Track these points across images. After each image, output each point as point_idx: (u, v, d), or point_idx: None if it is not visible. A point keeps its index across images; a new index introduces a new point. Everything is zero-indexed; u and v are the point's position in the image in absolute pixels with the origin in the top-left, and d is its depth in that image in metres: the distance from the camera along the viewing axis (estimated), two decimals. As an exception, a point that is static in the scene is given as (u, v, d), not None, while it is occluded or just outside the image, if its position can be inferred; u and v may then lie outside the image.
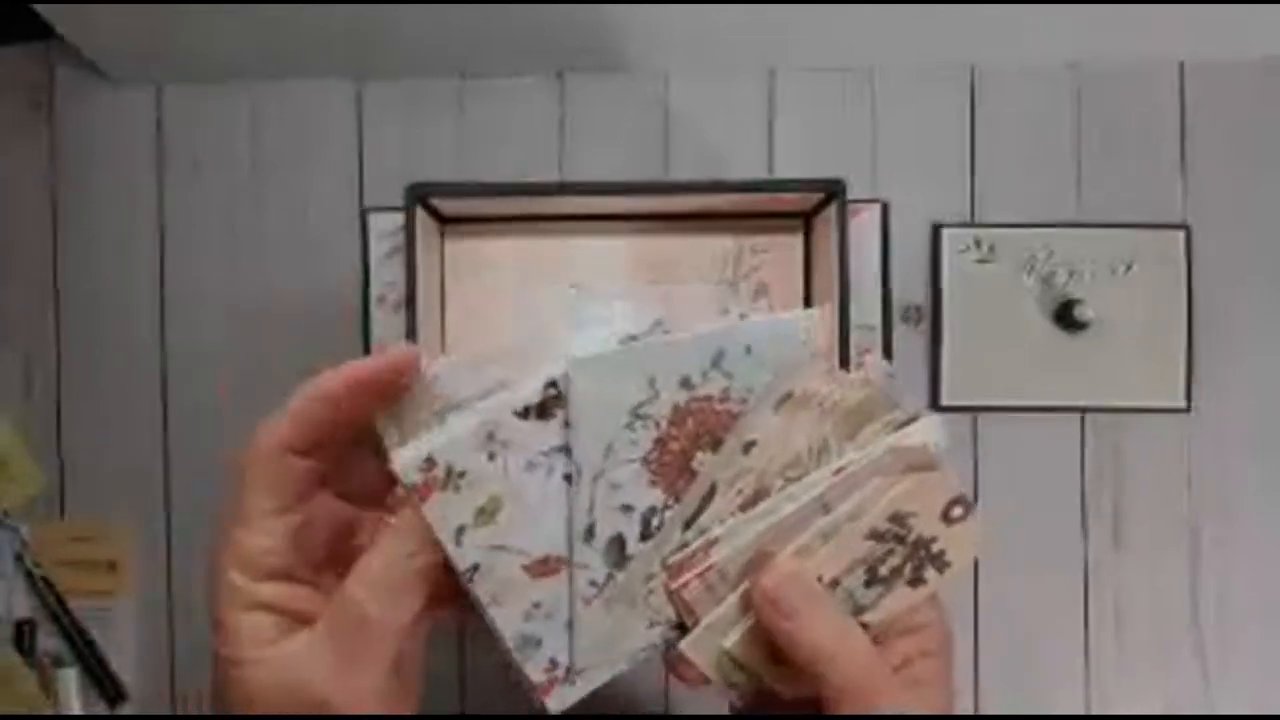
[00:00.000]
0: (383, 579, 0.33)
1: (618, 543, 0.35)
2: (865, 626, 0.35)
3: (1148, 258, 0.59)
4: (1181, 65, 0.61)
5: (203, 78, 0.61)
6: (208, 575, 0.34)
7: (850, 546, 0.34)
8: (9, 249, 0.61)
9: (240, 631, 0.33)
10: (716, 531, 0.35)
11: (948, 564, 0.35)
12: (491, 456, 0.34)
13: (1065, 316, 0.58)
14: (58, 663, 0.60)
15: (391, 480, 0.34)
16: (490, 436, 0.34)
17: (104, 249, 0.61)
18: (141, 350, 0.61)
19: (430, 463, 0.33)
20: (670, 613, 0.36)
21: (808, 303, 0.55)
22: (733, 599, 0.35)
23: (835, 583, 0.35)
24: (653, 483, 0.35)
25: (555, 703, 0.36)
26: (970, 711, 0.60)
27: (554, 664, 0.36)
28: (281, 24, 0.54)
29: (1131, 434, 0.60)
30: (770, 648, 0.35)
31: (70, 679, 0.60)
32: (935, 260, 0.60)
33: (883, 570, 0.35)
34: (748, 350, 0.35)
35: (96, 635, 0.60)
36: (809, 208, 0.53)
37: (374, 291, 0.57)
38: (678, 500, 0.35)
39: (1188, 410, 0.59)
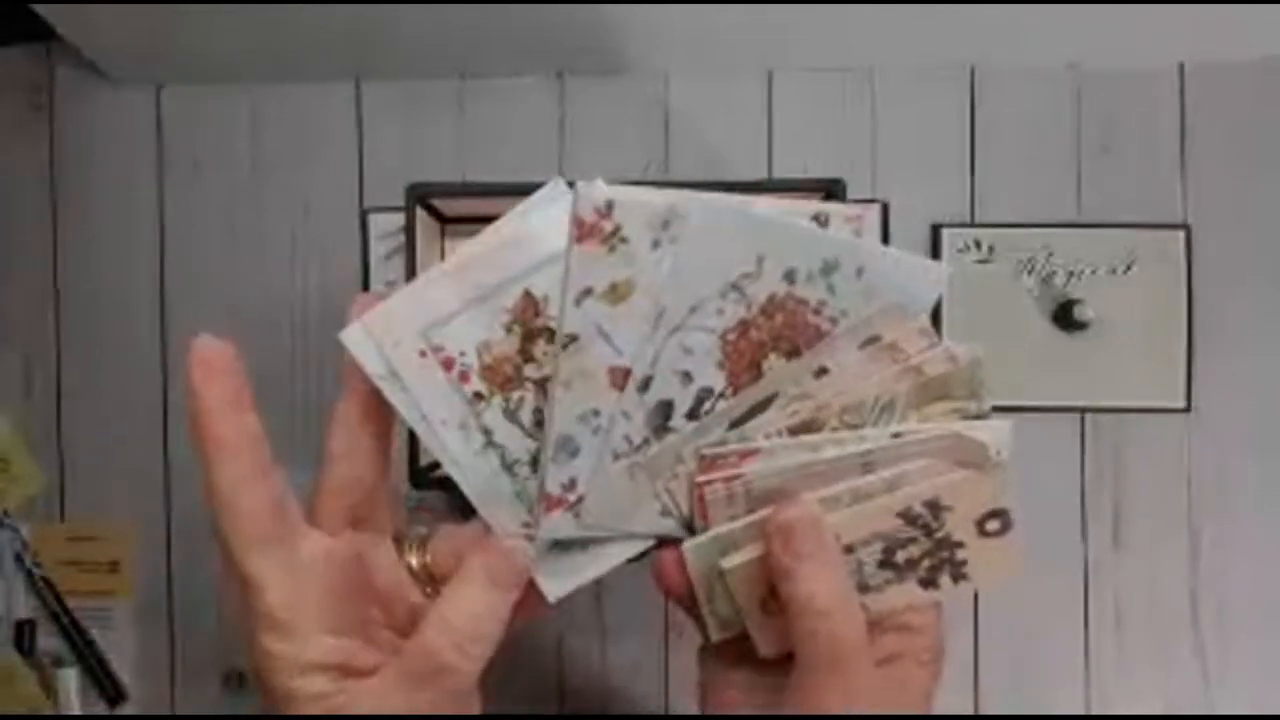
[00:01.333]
0: (465, 632, 0.32)
1: (665, 409, 0.34)
2: (863, 609, 0.34)
3: (1148, 258, 0.59)
4: (1181, 65, 0.61)
5: (203, 78, 0.61)
6: (251, 659, 0.32)
7: (877, 517, 0.33)
8: (9, 249, 0.61)
9: (299, 697, 0.31)
10: (758, 443, 0.33)
11: (965, 577, 0.34)
12: (656, 244, 0.32)
13: (1065, 316, 0.58)
14: (58, 663, 0.60)
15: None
16: (667, 223, 0.32)
17: (104, 249, 0.61)
18: (141, 350, 0.61)
19: (608, 209, 0.32)
20: (686, 509, 0.34)
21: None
22: (746, 520, 0.33)
23: (850, 549, 0.33)
24: (720, 364, 0.34)
25: (549, 528, 0.34)
26: (970, 711, 0.60)
27: (573, 484, 0.34)
28: (281, 24, 0.54)
29: (1131, 434, 0.60)
30: (766, 588, 0.33)
31: (70, 679, 0.60)
32: (935, 260, 0.60)
33: (900, 556, 0.33)
34: (859, 273, 0.34)
35: (96, 635, 0.60)
36: (809, 208, 0.53)
37: (374, 291, 0.57)
38: (736, 394, 0.34)
39: (1188, 410, 0.59)
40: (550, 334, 0.34)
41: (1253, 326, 0.60)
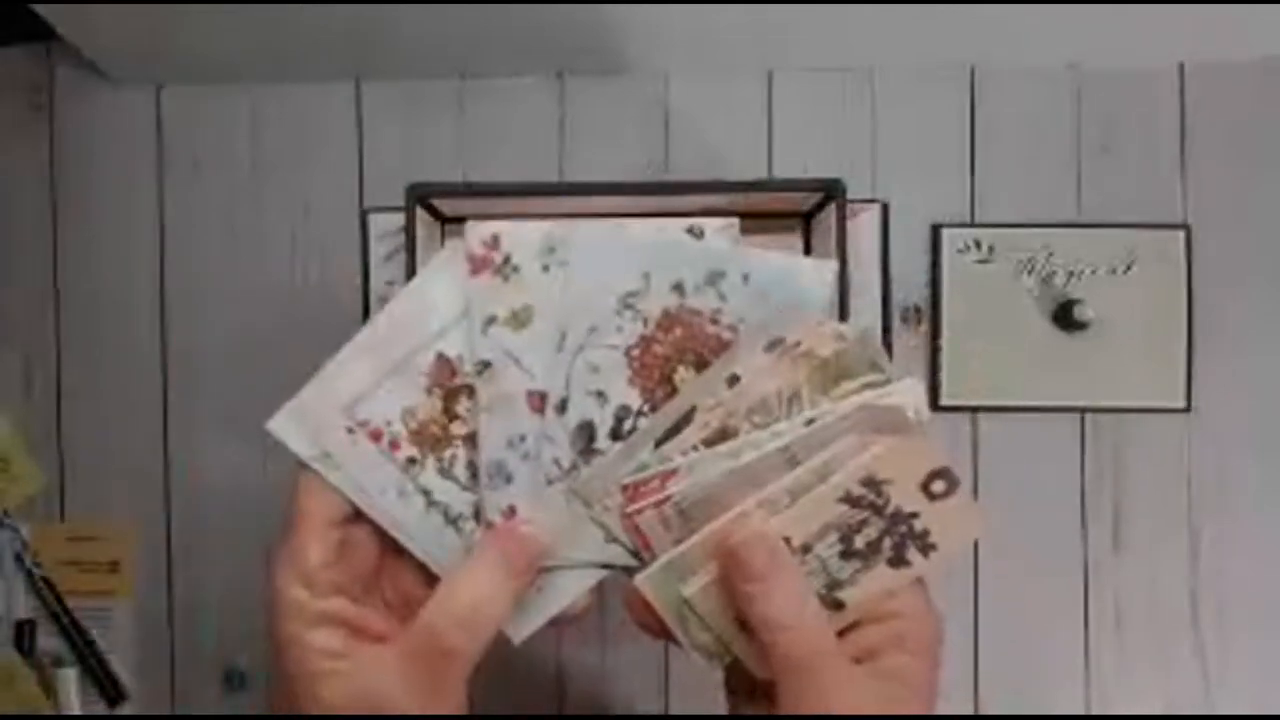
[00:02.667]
0: (469, 615, 0.33)
1: (587, 429, 0.35)
2: (841, 605, 0.33)
3: (1148, 258, 0.59)
4: (1181, 65, 0.61)
5: (203, 78, 0.61)
6: (266, 598, 0.34)
7: (821, 508, 0.32)
8: (9, 249, 0.61)
9: (311, 646, 0.32)
10: (678, 461, 0.33)
11: (933, 546, 0.33)
12: (546, 269, 0.34)
13: (1065, 316, 0.58)
14: (58, 663, 0.60)
15: None
16: (551, 249, 0.34)
17: (104, 249, 0.61)
18: (141, 350, 0.61)
19: (495, 242, 0.34)
20: (627, 536, 0.34)
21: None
22: (695, 541, 0.33)
23: (806, 548, 0.33)
24: (631, 381, 0.35)
25: (514, 631, 0.35)
26: (970, 711, 0.60)
27: (512, 511, 0.35)
28: (281, 24, 0.54)
29: (1131, 434, 0.60)
30: (735, 609, 0.33)
31: (70, 679, 0.60)
32: (935, 260, 0.60)
33: (859, 542, 0.33)
34: (745, 279, 0.35)
35: (96, 635, 0.60)
36: (808, 208, 0.53)
37: (374, 291, 0.57)
38: (654, 409, 0.34)
39: (1188, 410, 0.59)
40: (471, 391, 0.35)
41: (1253, 326, 0.60)
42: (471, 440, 0.35)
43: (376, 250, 0.58)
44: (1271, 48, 0.59)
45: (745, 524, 0.32)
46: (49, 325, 0.61)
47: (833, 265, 0.36)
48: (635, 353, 0.35)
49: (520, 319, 0.34)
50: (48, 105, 0.62)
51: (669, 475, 0.34)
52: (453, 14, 0.53)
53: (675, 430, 0.34)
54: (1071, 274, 0.59)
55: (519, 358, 0.34)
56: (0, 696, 0.59)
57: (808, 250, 0.54)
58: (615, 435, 0.35)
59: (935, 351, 0.60)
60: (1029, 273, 0.59)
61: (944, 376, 0.59)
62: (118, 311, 0.61)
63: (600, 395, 0.35)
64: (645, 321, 0.35)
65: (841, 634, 0.34)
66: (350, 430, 0.35)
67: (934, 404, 0.59)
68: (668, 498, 0.33)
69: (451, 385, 0.35)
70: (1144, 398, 0.59)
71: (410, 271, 0.48)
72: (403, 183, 0.48)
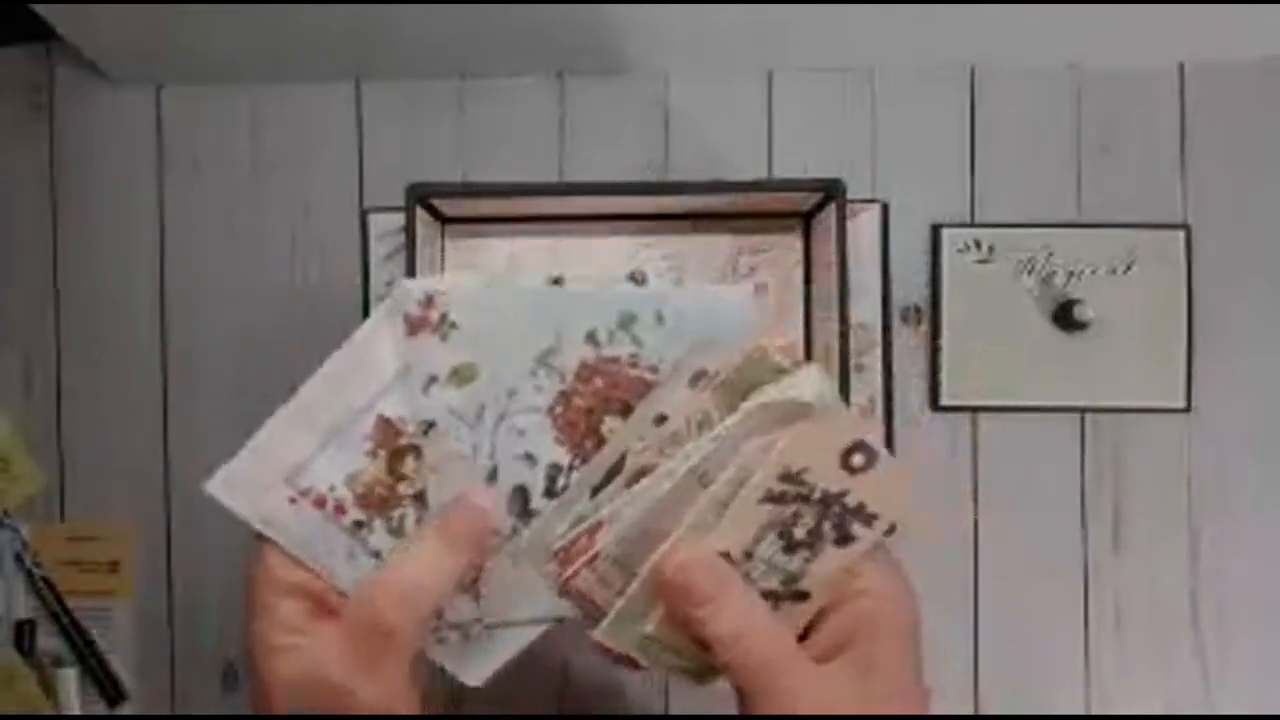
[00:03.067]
0: (408, 590, 0.32)
1: (521, 494, 0.35)
2: (805, 595, 0.33)
3: (1148, 258, 0.59)
4: (1181, 65, 0.61)
5: (203, 78, 0.61)
6: (246, 565, 0.34)
7: (748, 515, 0.32)
8: (9, 249, 0.61)
9: (276, 614, 0.33)
10: (602, 513, 0.33)
11: (874, 516, 0.33)
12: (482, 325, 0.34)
13: (1065, 316, 0.58)
14: (58, 663, 0.60)
15: None
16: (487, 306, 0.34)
17: (104, 249, 0.61)
18: (141, 350, 0.61)
19: (430, 302, 0.33)
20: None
21: (808, 303, 0.55)
22: (638, 585, 0.33)
23: (749, 555, 0.33)
24: (559, 440, 0.34)
25: (451, 614, 0.35)
26: (970, 711, 0.60)
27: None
28: (281, 24, 0.54)
29: (1131, 434, 0.60)
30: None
31: (70, 679, 0.60)
32: (935, 260, 0.60)
33: (799, 533, 0.33)
34: (659, 318, 0.34)
35: (96, 635, 0.60)
36: (808, 208, 0.53)
37: (374, 291, 0.57)
38: (584, 463, 0.34)
39: (1188, 410, 0.59)
40: (416, 450, 0.35)
41: (1253, 326, 0.60)
42: (419, 499, 0.35)
43: (376, 250, 0.58)
44: (1271, 48, 0.59)
45: (677, 553, 0.32)
46: (49, 325, 0.61)
47: (749, 289, 0.35)
48: (557, 410, 0.34)
49: (463, 376, 0.34)
50: (48, 105, 0.62)
51: (595, 530, 0.33)
52: (453, 14, 0.53)
53: (609, 479, 0.34)
54: (1071, 274, 0.59)
55: (462, 415, 0.34)
56: (0, 696, 0.59)
57: (808, 250, 0.54)
58: (550, 494, 0.35)
59: (935, 351, 0.60)
60: (1029, 273, 0.59)
61: (944, 376, 0.59)
62: (118, 311, 0.61)
63: (529, 457, 0.34)
64: (563, 377, 0.34)
65: (812, 625, 0.34)
66: (293, 500, 0.35)
67: (934, 404, 0.60)
68: (597, 554, 0.33)
69: (396, 446, 0.35)
70: (1144, 398, 0.59)
71: (410, 271, 0.48)
72: (403, 183, 0.48)
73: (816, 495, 0.32)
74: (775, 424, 0.32)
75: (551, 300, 0.34)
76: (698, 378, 0.34)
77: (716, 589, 0.32)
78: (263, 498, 0.34)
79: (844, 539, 0.33)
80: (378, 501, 0.35)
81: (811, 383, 0.32)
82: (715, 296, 0.35)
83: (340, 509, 0.35)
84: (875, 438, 0.33)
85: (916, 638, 0.33)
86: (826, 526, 0.33)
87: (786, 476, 0.32)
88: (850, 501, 0.33)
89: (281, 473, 0.35)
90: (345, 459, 0.35)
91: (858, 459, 0.32)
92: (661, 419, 0.34)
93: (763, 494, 0.32)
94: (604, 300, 0.34)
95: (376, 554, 0.35)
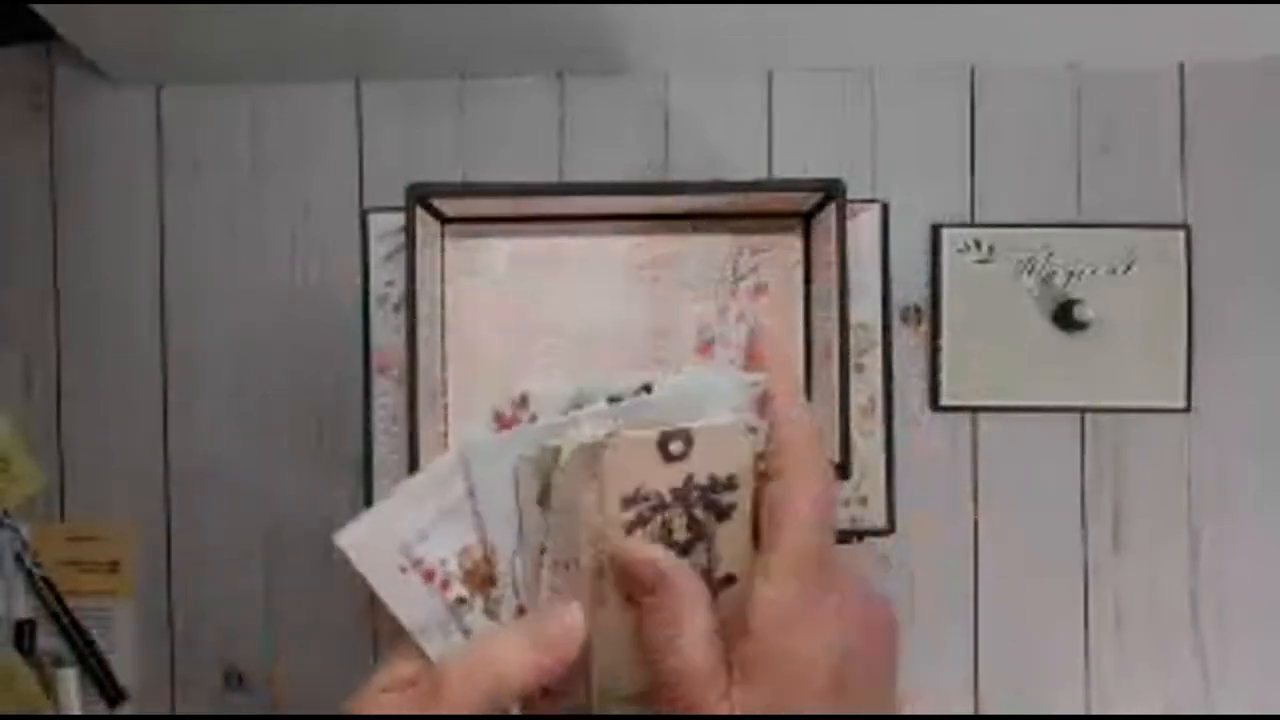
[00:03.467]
0: (478, 670, 0.31)
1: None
2: (732, 579, 0.32)
3: (1148, 258, 0.59)
4: (1181, 65, 0.61)
5: (203, 78, 0.61)
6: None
7: (627, 551, 0.31)
8: (9, 249, 0.61)
9: (386, 663, 0.33)
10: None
11: (729, 483, 0.32)
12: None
13: (1065, 316, 0.58)
14: (58, 663, 0.60)
15: None
16: (579, 406, 0.33)
17: (104, 249, 0.61)
18: (141, 350, 0.61)
19: (523, 401, 0.33)
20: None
21: (808, 303, 0.55)
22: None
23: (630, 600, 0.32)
24: None
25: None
26: (970, 711, 0.60)
27: None
28: (281, 24, 0.54)
29: (1131, 434, 0.60)
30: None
31: (70, 679, 0.60)
32: (935, 260, 0.60)
33: (681, 535, 0.32)
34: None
35: (96, 635, 0.60)
36: (808, 208, 0.53)
37: (374, 291, 0.57)
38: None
39: (1188, 410, 0.59)
40: None
41: (1253, 326, 0.60)
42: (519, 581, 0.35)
43: (376, 250, 0.58)
44: (1271, 48, 0.59)
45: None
46: (49, 325, 0.61)
47: (738, 424, 0.34)
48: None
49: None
50: (48, 105, 0.62)
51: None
52: (453, 14, 0.53)
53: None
54: (1071, 274, 0.59)
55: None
56: (0, 696, 0.59)
57: (808, 250, 0.54)
58: None
59: (935, 351, 0.60)
60: (1029, 273, 0.59)
61: (944, 376, 0.59)
62: (118, 311, 0.61)
63: None
64: None
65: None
66: (403, 569, 0.35)
67: (934, 404, 0.60)
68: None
69: None
70: (1144, 398, 0.59)
71: (410, 271, 0.48)
72: (403, 183, 0.48)
73: (665, 501, 0.32)
74: (592, 470, 0.32)
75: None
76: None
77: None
78: (377, 564, 0.35)
79: (723, 513, 0.32)
80: (480, 580, 0.35)
81: (588, 428, 0.31)
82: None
83: (446, 584, 0.35)
84: (681, 421, 0.32)
85: (829, 526, 0.31)
86: (699, 513, 0.32)
87: (629, 502, 0.32)
88: (700, 481, 0.32)
89: (399, 542, 0.35)
90: (459, 533, 0.35)
91: (675, 446, 0.31)
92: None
93: (624, 527, 0.31)
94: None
95: (467, 633, 0.35)
